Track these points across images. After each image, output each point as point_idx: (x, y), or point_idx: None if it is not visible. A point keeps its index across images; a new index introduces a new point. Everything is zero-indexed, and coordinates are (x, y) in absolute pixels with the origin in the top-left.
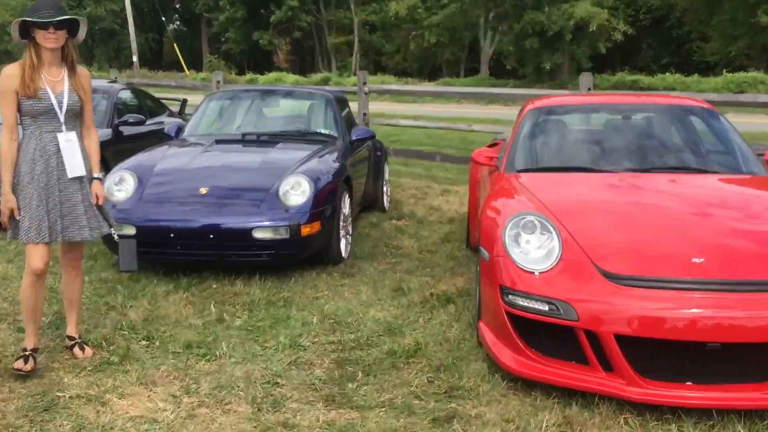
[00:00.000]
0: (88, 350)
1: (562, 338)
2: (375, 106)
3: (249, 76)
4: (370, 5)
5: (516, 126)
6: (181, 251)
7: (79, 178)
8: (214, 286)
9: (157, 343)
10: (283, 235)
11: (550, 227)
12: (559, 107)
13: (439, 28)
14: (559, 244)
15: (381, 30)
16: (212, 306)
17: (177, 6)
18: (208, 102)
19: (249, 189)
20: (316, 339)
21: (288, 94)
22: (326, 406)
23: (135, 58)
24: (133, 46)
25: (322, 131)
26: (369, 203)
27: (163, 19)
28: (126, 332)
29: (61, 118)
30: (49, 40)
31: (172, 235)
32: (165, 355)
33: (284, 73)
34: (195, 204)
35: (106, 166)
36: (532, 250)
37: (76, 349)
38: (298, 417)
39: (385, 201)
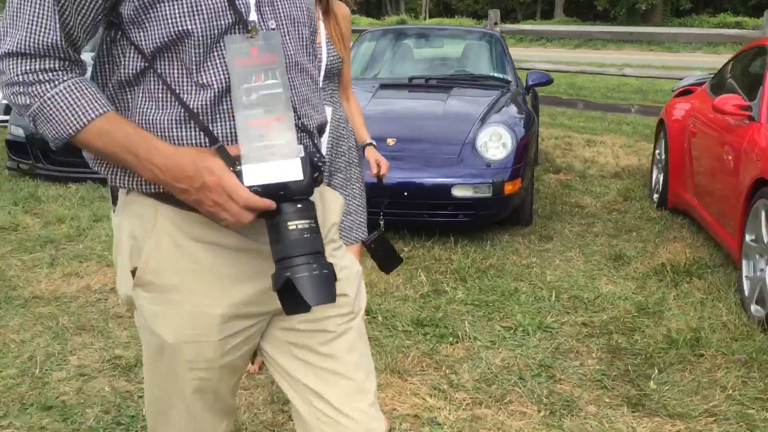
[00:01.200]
0: None
1: None
2: None
3: None
4: None
5: None
6: (369, 209)
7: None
8: (407, 249)
9: (380, 319)
10: (485, 193)
11: None
12: None
13: None
14: None
15: None
16: (420, 274)
17: None
18: (360, 43)
19: (441, 140)
20: (564, 319)
21: (450, 34)
22: (633, 412)
23: None
24: None
25: (495, 75)
26: None
27: None
28: None
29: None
30: None
31: None
32: (396, 334)
33: (356, 16)
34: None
35: None
36: None
37: None
38: (606, 425)
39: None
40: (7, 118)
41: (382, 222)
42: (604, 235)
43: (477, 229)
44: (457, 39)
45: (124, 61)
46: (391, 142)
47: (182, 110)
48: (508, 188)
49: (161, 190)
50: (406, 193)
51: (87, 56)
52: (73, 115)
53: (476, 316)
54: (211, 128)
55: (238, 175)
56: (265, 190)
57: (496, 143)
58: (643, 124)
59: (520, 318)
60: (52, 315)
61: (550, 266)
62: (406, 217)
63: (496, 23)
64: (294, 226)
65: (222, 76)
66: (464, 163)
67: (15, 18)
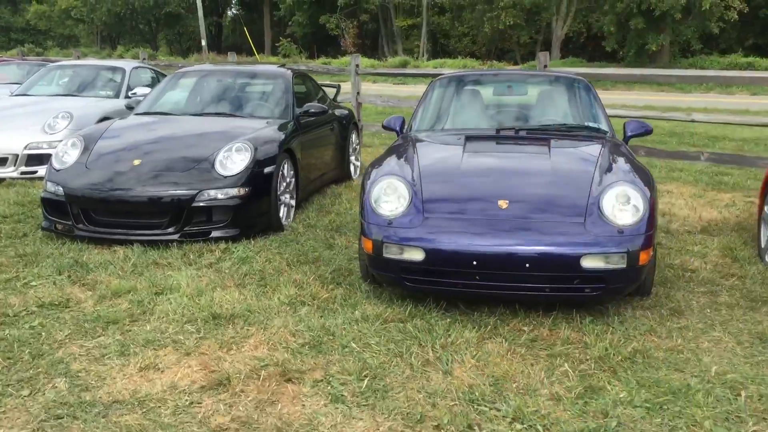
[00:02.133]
0: None
1: None
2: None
3: (321, 60)
4: None
5: None
6: (479, 282)
7: None
8: (528, 329)
9: (539, 429)
10: (618, 264)
11: None
12: None
13: (516, 9)
14: None
15: (449, 12)
16: (563, 363)
17: None
18: (431, 90)
19: (561, 203)
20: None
21: (530, 79)
22: None
23: (204, 42)
24: (202, 29)
25: (590, 125)
26: None
27: (233, 2)
28: (481, 405)
29: None
30: None
31: (474, 262)
32: None
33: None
34: (494, 221)
35: (293, 158)
36: None
37: None
38: None
39: None
40: (31, 169)
41: None
42: (739, 308)
43: (596, 302)
44: (541, 85)
45: None
46: (504, 204)
47: None
48: (643, 258)
49: None
50: (528, 265)
51: (124, 63)
52: None
53: (655, 424)
54: None
55: None
56: None
57: (625, 205)
58: (712, 172)
59: (710, 425)
60: (142, 429)
61: (701, 351)
62: (524, 291)
63: (545, 66)
64: None
65: None
66: (592, 230)
67: None
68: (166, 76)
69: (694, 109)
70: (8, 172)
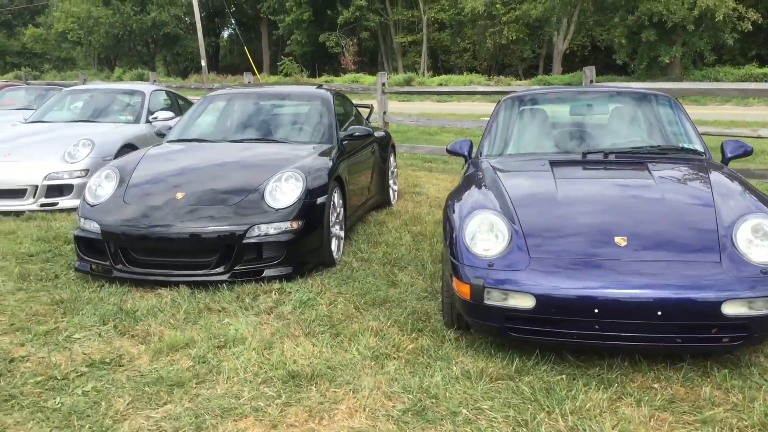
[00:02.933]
0: None
1: None
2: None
3: (324, 78)
4: (438, 2)
5: None
6: (599, 332)
7: None
8: (657, 386)
9: None
10: (763, 309)
11: None
12: None
13: (519, 24)
14: None
15: (449, 28)
16: None
17: (232, 10)
18: (500, 111)
19: (689, 239)
20: None
21: (610, 96)
22: None
23: (204, 63)
24: (202, 50)
25: (685, 146)
26: None
27: (233, 21)
28: None
29: None
30: None
31: (596, 310)
32: None
33: (361, 74)
34: (615, 261)
35: (342, 186)
36: None
37: None
38: None
39: None
40: (51, 200)
41: None
42: None
43: (725, 351)
44: (622, 102)
45: None
46: (622, 241)
47: None
48: None
49: None
50: (660, 313)
51: (142, 86)
52: None
53: None
54: None
55: None
56: None
57: (763, 240)
58: None
59: None
60: None
61: None
62: (651, 342)
63: (591, 81)
64: None
65: None
66: (731, 270)
67: None
68: (184, 98)
69: (759, 123)
70: (27, 204)
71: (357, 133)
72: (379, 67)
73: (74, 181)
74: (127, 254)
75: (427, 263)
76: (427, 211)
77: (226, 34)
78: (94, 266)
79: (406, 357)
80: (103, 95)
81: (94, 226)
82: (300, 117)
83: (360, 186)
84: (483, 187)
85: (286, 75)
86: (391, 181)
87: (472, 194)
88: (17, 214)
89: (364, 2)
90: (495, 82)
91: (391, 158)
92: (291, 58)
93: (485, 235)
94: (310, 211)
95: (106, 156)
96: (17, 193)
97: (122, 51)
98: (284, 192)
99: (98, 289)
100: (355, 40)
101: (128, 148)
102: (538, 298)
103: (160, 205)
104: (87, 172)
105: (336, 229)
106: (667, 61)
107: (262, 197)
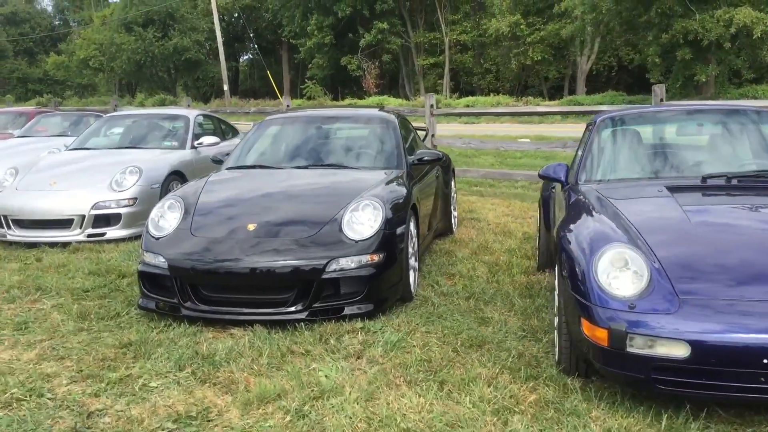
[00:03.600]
0: None
1: None
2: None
3: (348, 100)
4: (460, 24)
5: None
6: (764, 385)
7: None
8: None
9: None
10: None
11: None
12: None
13: (544, 44)
14: None
15: (471, 50)
16: None
17: (251, 35)
18: (596, 130)
19: None
20: None
21: (722, 115)
22: None
23: (226, 87)
24: (224, 74)
25: None
26: None
27: (255, 46)
28: None
29: None
30: None
31: (765, 360)
32: None
33: (385, 97)
34: None
35: (416, 214)
36: None
37: None
38: None
39: None
40: (99, 231)
41: None
42: None
43: None
44: (731, 121)
45: None
46: None
47: None
48: None
49: None
50: None
51: (185, 110)
52: None
53: None
54: None
55: None
56: None
57: None
58: None
59: None
60: None
61: None
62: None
63: (662, 99)
64: None
65: None
66: None
67: None
68: (226, 123)
69: None
70: (74, 235)
71: (426, 158)
72: (400, 90)
73: (122, 210)
74: (196, 291)
75: (514, 297)
76: (493, 238)
77: (244, 58)
78: (160, 304)
79: (531, 411)
80: (145, 121)
81: (159, 261)
82: (365, 141)
83: (428, 213)
84: (602, 217)
85: (309, 98)
86: (452, 207)
87: (593, 225)
88: (64, 245)
89: (386, 25)
90: (524, 103)
91: (452, 182)
92: (314, 81)
93: (620, 272)
94: (389, 242)
95: (154, 183)
96: (63, 224)
97: (143, 77)
98: (362, 222)
99: (166, 329)
100: (376, 63)
101: (175, 175)
102: (695, 346)
103: (230, 238)
104: (135, 201)
105: (412, 261)
106: (704, 80)
107: (340, 228)
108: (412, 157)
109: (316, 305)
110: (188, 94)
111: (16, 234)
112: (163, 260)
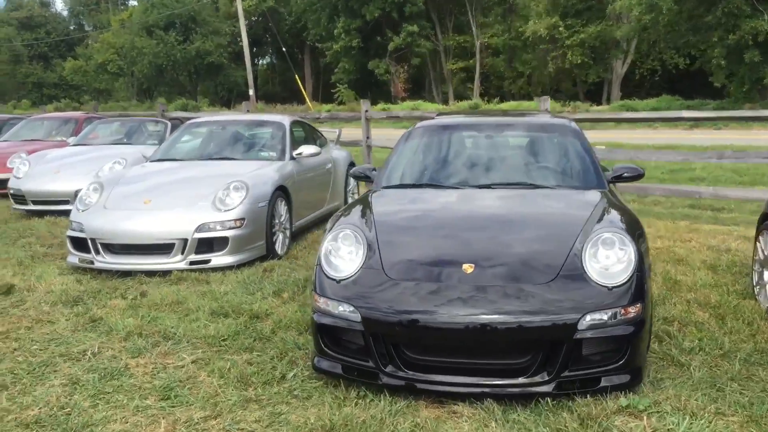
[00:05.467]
0: None
1: None
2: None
3: (381, 105)
4: (491, 27)
5: None
6: None
7: None
8: None
9: None
10: None
11: None
12: None
13: (584, 47)
14: None
15: (502, 54)
16: None
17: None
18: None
19: None
20: None
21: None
22: None
23: (251, 91)
24: (250, 79)
25: None
26: None
27: (284, 48)
28: None
29: None
30: None
31: None
32: None
33: (420, 101)
34: None
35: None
36: None
37: None
38: None
39: None
40: (202, 257)
41: None
42: None
43: None
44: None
45: None
46: None
47: None
48: None
49: None
50: None
51: (278, 116)
52: None
53: None
54: None
55: None
56: None
57: None
58: None
59: None
60: None
61: None
62: None
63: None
64: None
65: None
66: None
67: None
68: (313, 128)
69: None
70: (175, 262)
71: (626, 174)
72: (427, 95)
73: (229, 234)
74: (399, 351)
75: None
76: (675, 269)
77: (264, 61)
78: (351, 368)
79: None
80: (233, 128)
81: (347, 311)
82: (550, 154)
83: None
84: None
85: (340, 103)
86: None
87: None
88: (163, 273)
89: (415, 28)
90: (572, 109)
91: None
92: (345, 85)
93: None
94: (644, 288)
95: (261, 201)
96: (163, 249)
97: (164, 81)
98: (611, 259)
99: (361, 401)
100: (405, 67)
101: (279, 190)
102: None
103: (443, 282)
104: (243, 222)
105: None
106: None
107: (584, 269)
108: (609, 173)
109: (564, 374)
110: (209, 99)
111: (106, 261)
112: (353, 310)
